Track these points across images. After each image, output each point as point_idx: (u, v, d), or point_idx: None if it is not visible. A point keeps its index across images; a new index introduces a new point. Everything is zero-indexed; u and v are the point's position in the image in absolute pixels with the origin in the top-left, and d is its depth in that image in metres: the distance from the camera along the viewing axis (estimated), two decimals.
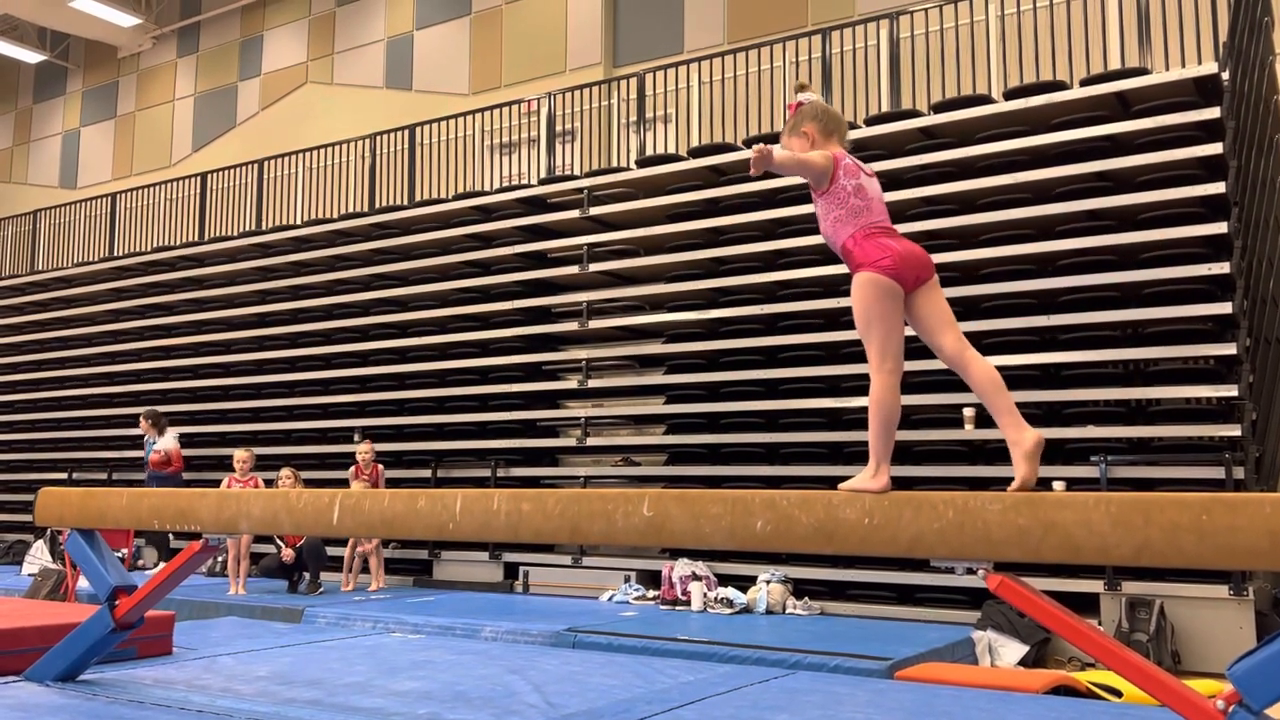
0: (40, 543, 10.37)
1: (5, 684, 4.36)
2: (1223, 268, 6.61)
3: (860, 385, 7.88)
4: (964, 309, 7.57)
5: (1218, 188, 6.70)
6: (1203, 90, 7.02)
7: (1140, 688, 2.79)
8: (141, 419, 10.52)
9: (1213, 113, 6.80)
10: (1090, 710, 4.31)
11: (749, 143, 8.72)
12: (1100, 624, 6.41)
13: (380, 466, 9.13)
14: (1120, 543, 2.56)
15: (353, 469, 9.09)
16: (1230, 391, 6.53)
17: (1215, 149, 6.74)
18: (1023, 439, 3.02)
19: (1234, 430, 6.47)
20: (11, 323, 14.08)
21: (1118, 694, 5.02)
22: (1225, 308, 6.58)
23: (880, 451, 3.12)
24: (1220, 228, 6.65)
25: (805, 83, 3.64)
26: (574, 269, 9.45)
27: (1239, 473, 6.34)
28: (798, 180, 8.57)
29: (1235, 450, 6.44)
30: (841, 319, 8.05)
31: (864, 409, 8.51)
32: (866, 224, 3.29)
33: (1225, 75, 6.85)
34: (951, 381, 7.56)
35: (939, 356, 3.27)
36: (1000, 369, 7.95)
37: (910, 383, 7.64)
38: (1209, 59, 7.30)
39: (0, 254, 15.74)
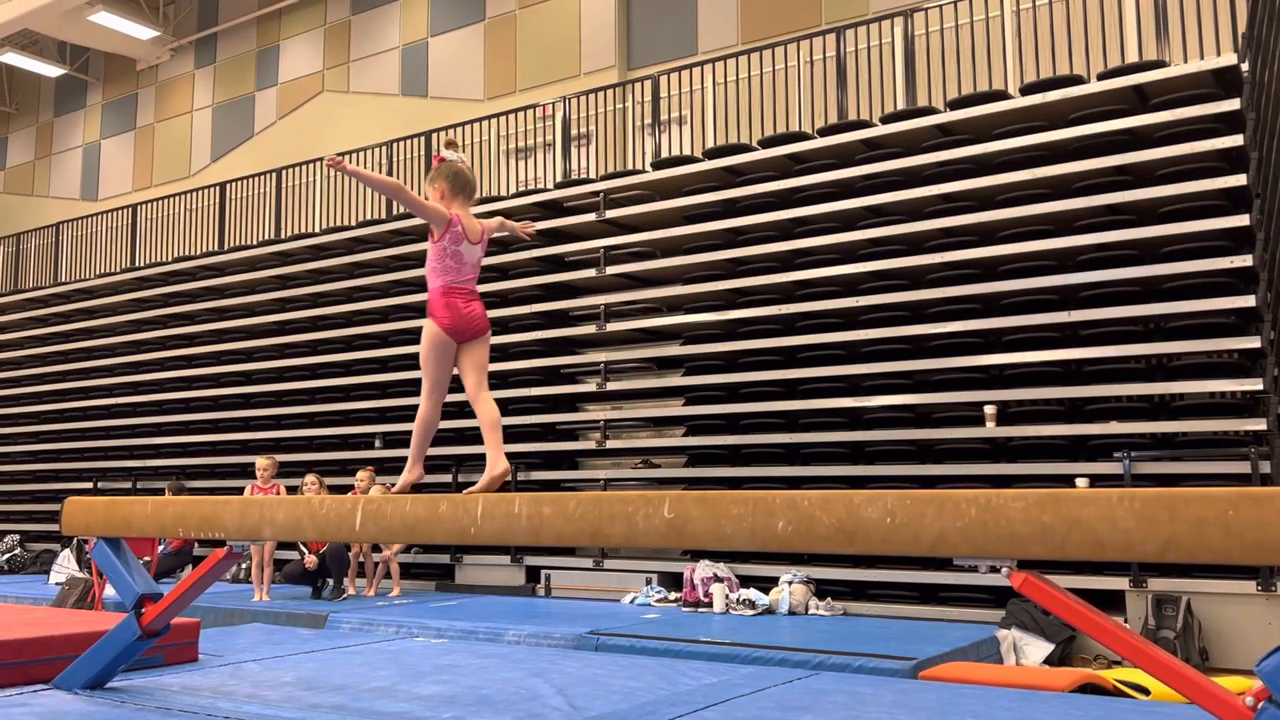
0: (67, 552, 10.46)
1: (34, 692, 4.40)
2: (1245, 261, 6.56)
3: (880, 385, 7.86)
4: (984, 306, 7.55)
5: (1239, 180, 6.65)
6: (1222, 82, 6.96)
7: (1168, 685, 2.77)
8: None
9: (1233, 104, 6.74)
10: (1118, 708, 4.28)
11: (764, 143, 8.71)
12: (1126, 621, 6.37)
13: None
14: (1145, 539, 2.53)
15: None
16: (1255, 385, 6.47)
17: (1236, 141, 6.68)
18: (496, 465, 3.96)
19: (1259, 425, 6.41)
20: (36, 334, 14.23)
21: (1145, 692, 4.99)
22: (1248, 301, 6.53)
23: (417, 455, 4.16)
24: (1242, 220, 6.60)
25: (454, 140, 4.36)
26: (591, 272, 9.46)
27: (1265, 467, 6.28)
28: (814, 180, 8.59)
29: (1260, 445, 6.38)
30: (860, 318, 8.03)
31: (885, 407, 8.51)
32: (451, 283, 4.07)
33: (1245, 66, 6.79)
34: (971, 379, 7.54)
35: (465, 388, 4.13)
36: (1021, 365, 7.92)
37: (930, 381, 7.66)
38: (1228, 50, 7.24)
39: (24, 266, 15.90)
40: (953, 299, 7.62)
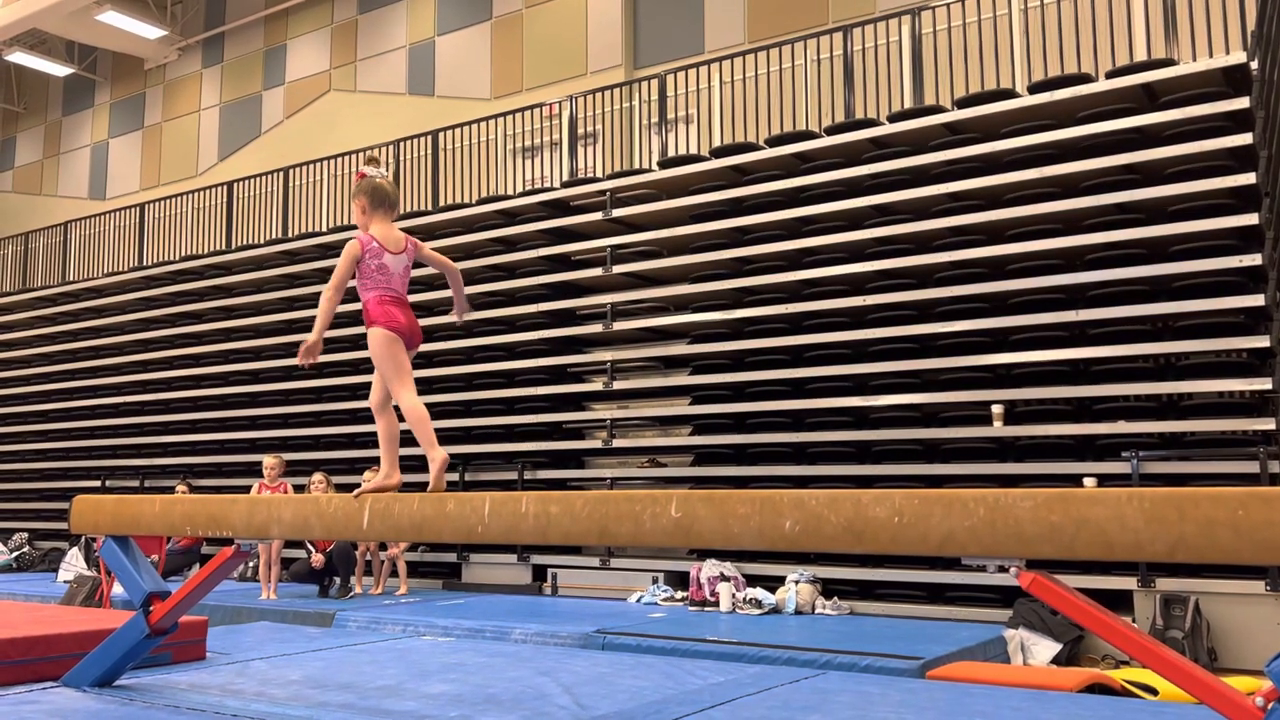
0: (75, 550, 10.49)
1: (43, 689, 4.41)
2: (1254, 259, 6.53)
3: (887, 384, 7.85)
4: (991, 305, 7.53)
5: (1248, 178, 6.63)
6: (1231, 80, 6.93)
7: (1178, 685, 2.76)
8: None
9: (1242, 102, 6.72)
10: (1126, 708, 4.26)
11: (771, 142, 8.71)
12: (1134, 621, 6.35)
13: None
14: (1154, 539, 2.52)
15: None
16: (1264, 385, 6.44)
17: (1245, 139, 6.66)
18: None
19: (1268, 424, 6.39)
20: (45, 333, 14.27)
21: (1153, 692, 4.97)
22: (1257, 300, 6.51)
23: (430, 440, 4.05)
24: (1251, 219, 6.57)
25: (376, 157, 4.38)
26: (598, 271, 9.47)
27: (1274, 467, 6.26)
28: (821, 179, 8.58)
29: (1269, 444, 6.36)
30: (867, 317, 8.01)
31: (892, 407, 8.49)
32: (383, 293, 4.18)
33: (1254, 64, 6.76)
34: (978, 379, 7.53)
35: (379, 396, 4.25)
36: (1028, 365, 7.90)
37: (937, 381, 7.65)
38: (1237, 48, 7.22)
39: (32, 265, 15.96)
40: (960, 298, 7.60)
